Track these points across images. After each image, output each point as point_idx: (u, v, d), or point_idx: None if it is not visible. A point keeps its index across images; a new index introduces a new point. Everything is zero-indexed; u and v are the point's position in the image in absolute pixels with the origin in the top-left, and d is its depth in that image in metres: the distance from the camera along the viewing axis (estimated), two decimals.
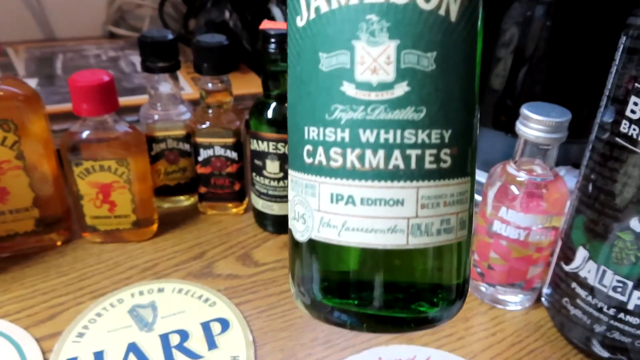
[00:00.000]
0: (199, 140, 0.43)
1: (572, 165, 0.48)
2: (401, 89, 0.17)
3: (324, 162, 0.18)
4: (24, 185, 0.38)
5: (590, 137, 0.32)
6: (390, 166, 0.17)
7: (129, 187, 0.40)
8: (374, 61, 0.17)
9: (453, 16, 0.17)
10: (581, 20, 0.43)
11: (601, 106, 0.31)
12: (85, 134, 0.38)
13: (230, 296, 0.37)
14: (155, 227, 0.43)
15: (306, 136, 0.18)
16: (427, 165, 0.17)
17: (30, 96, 0.37)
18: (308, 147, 0.18)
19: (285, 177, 0.41)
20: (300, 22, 0.18)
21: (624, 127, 0.28)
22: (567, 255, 0.34)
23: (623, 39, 0.28)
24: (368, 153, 0.17)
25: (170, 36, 0.41)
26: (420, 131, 0.17)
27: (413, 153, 0.17)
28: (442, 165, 0.18)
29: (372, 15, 0.16)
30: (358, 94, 0.17)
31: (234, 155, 0.43)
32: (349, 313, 0.19)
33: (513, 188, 0.34)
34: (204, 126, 0.42)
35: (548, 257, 0.36)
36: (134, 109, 0.48)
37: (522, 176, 0.34)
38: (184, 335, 0.34)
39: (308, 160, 0.18)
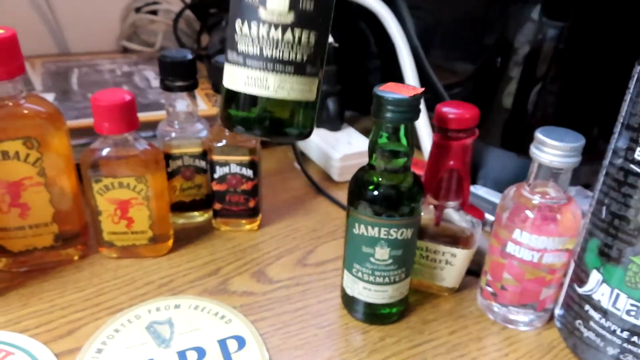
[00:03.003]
0: (215, 157, 0.43)
1: (582, 185, 0.48)
2: None
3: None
4: (44, 201, 0.39)
5: (603, 162, 0.32)
6: None
7: (146, 203, 0.40)
8: None
9: None
10: (593, 47, 0.43)
11: (615, 132, 0.31)
12: (105, 152, 0.39)
13: (245, 313, 0.38)
14: (170, 242, 0.44)
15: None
16: None
17: (52, 114, 0.38)
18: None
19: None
20: None
21: (638, 154, 0.29)
22: (581, 277, 0.34)
23: (637, 68, 0.29)
24: None
25: (190, 56, 0.42)
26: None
27: None
28: None
29: None
30: None
31: (249, 172, 0.44)
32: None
33: (526, 210, 0.35)
34: (220, 144, 0.43)
35: (561, 278, 0.36)
36: (148, 124, 0.49)
37: (536, 199, 0.34)
38: (200, 352, 0.34)
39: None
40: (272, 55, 0.27)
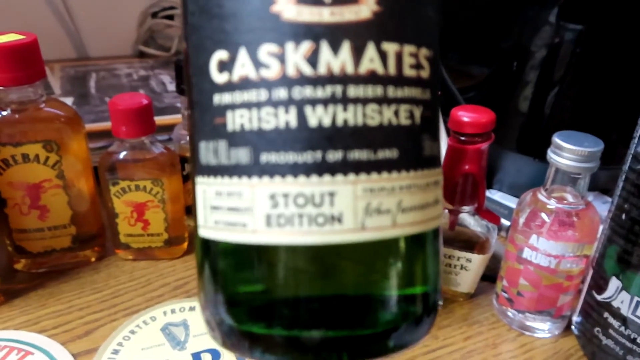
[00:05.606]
0: None
1: (600, 190, 0.48)
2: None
3: None
4: (63, 203, 0.39)
5: (623, 167, 0.32)
6: None
7: (162, 206, 0.41)
8: None
9: None
10: (611, 50, 0.43)
11: (634, 137, 0.31)
12: (122, 155, 0.39)
13: None
14: (185, 245, 0.44)
15: None
16: None
17: (71, 117, 0.38)
18: None
19: None
20: None
21: None
22: (599, 284, 0.33)
23: None
24: None
25: None
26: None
27: None
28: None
29: None
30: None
31: None
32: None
33: (543, 215, 0.34)
34: None
35: (579, 285, 0.36)
36: (165, 128, 0.50)
37: (553, 204, 0.34)
38: (215, 354, 0.34)
39: None
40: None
